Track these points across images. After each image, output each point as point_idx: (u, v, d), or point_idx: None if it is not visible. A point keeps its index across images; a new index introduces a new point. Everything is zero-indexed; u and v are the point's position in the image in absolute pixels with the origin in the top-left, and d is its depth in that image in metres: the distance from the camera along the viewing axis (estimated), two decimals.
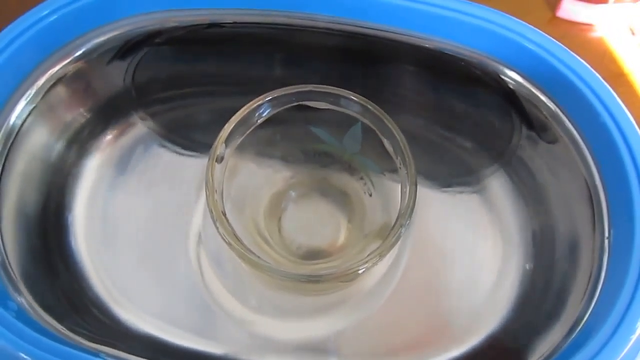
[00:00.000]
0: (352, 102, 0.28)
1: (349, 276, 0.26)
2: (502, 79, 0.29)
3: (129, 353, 0.25)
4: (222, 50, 0.32)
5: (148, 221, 0.32)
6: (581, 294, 0.26)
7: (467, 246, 0.32)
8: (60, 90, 0.29)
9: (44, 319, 0.25)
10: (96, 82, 0.31)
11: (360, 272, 0.25)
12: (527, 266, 0.30)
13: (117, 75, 0.32)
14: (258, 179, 0.32)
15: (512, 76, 0.29)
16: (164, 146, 0.34)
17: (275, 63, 0.33)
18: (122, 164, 0.33)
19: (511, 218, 0.32)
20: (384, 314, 0.30)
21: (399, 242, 0.26)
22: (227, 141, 0.27)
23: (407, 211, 0.26)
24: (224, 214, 0.26)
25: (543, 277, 0.30)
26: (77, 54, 0.29)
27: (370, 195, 0.31)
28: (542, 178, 0.31)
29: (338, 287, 0.30)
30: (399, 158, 0.27)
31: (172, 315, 0.29)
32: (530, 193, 0.32)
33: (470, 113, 0.32)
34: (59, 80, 0.29)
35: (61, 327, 0.25)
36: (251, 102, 0.28)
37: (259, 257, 0.25)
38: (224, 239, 0.25)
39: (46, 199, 0.30)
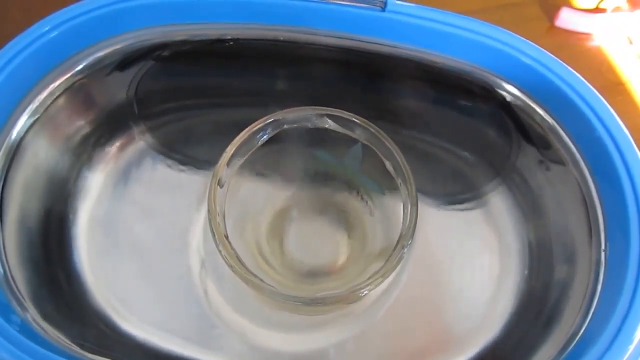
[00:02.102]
0: (354, 124, 0.28)
1: (352, 298, 0.26)
2: (499, 93, 0.29)
3: None
4: (224, 65, 0.32)
5: (149, 234, 0.32)
6: (578, 305, 0.26)
7: (465, 259, 0.32)
8: (62, 104, 0.29)
9: (47, 331, 0.25)
10: (98, 95, 0.31)
11: (363, 294, 0.25)
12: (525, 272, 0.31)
13: (119, 89, 0.32)
14: (259, 199, 0.32)
15: (509, 90, 0.29)
16: (166, 160, 0.34)
17: (276, 78, 0.33)
18: (125, 177, 0.33)
19: (509, 232, 0.32)
20: (383, 326, 0.30)
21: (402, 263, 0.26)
22: (229, 164, 0.28)
23: (409, 232, 0.26)
24: (227, 237, 0.26)
25: (540, 289, 0.30)
26: (79, 67, 0.29)
27: (372, 214, 0.32)
28: (540, 191, 0.31)
29: (340, 308, 0.30)
30: (399, 179, 0.27)
31: (173, 326, 0.29)
32: (529, 206, 0.32)
33: (470, 128, 0.33)
34: (61, 94, 0.29)
35: (64, 339, 0.25)
36: (252, 125, 0.28)
37: (262, 280, 0.25)
38: (226, 262, 0.26)
39: (48, 212, 0.30)
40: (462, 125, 0.33)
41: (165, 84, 0.33)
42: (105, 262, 0.31)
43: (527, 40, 0.28)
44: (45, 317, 0.26)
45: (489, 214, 0.33)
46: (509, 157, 0.32)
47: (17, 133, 0.28)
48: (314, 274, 0.31)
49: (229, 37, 0.30)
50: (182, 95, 0.33)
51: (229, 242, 0.26)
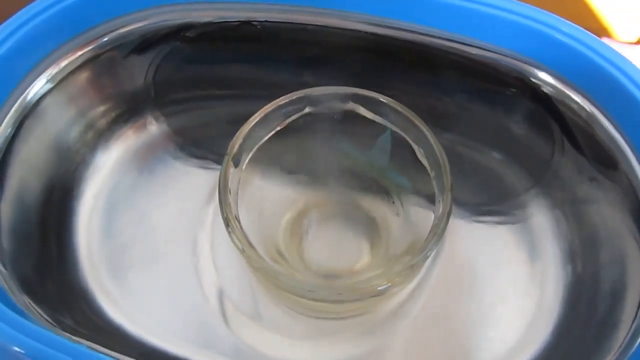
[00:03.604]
0: (380, 103, 0.26)
1: (371, 291, 0.23)
2: (535, 82, 0.27)
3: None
4: (248, 52, 0.31)
5: (155, 223, 0.30)
6: (628, 325, 0.22)
7: (498, 275, 0.28)
8: (80, 76, 0.28)
9: (24, 302, 0.23)
10: (117, 74, 0.30)
11: (382, 288, 0.23)
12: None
13: (138, 71, 0.31)
14: (277, 194, 0.30)
15: (546, 79, 0.27)
16: (178, 150, 0.32)
17: (302, 69, 0.31)
18: (134, 162, 0.31)
19: (549, 245, 0.29)
20: (402, 343, 0.27)
21: (431, 258, 0.24)
22: (245, 143, 0.26)
23: (443, 219, 0.23)
24: (238, 220, 0.24)
25: (584, 311, 0.26)
26: (99, 42, 0.28)
27: (398, 214, 0.29)
28: (586, 198, 0.28)
29: (358, 309, 0.27)
30: (433, 170, 0.25)
31: (170, 322, 0.27)
32: (573, 216, 0.29)
33: (505, 128, 0.30)
34: (80, 65, 0.28)
35: (41, 312, 0.23)
36: (272, 102, 0.26)
37: (273, 266, 0.23)
38: (236, 245, 0.23)
39: (51, 185, 0.29)
40: (496, 125, 0.30)
41: (185, 69, 0.31)
42: (103, 245, 0.29)
43: (565, 20, 0.25)
44: (27, 290, 0.24)
45: (526, 224, 0.29)
46: (550, 162, 0.29)
47: (33, 95, 0.27)
48: (334, 277, 0.28)
49: (257, 20, 0.29)
50: (203, 84, 0.32)
51: (240, 225, 0.24)
